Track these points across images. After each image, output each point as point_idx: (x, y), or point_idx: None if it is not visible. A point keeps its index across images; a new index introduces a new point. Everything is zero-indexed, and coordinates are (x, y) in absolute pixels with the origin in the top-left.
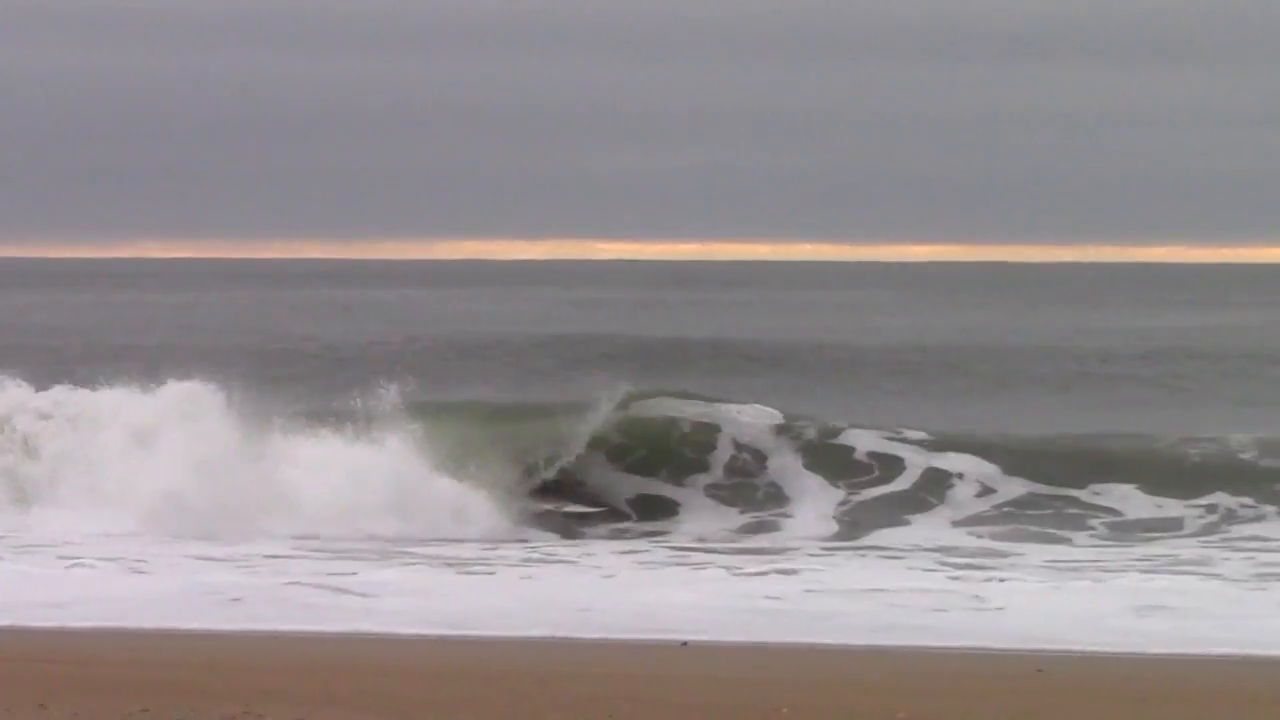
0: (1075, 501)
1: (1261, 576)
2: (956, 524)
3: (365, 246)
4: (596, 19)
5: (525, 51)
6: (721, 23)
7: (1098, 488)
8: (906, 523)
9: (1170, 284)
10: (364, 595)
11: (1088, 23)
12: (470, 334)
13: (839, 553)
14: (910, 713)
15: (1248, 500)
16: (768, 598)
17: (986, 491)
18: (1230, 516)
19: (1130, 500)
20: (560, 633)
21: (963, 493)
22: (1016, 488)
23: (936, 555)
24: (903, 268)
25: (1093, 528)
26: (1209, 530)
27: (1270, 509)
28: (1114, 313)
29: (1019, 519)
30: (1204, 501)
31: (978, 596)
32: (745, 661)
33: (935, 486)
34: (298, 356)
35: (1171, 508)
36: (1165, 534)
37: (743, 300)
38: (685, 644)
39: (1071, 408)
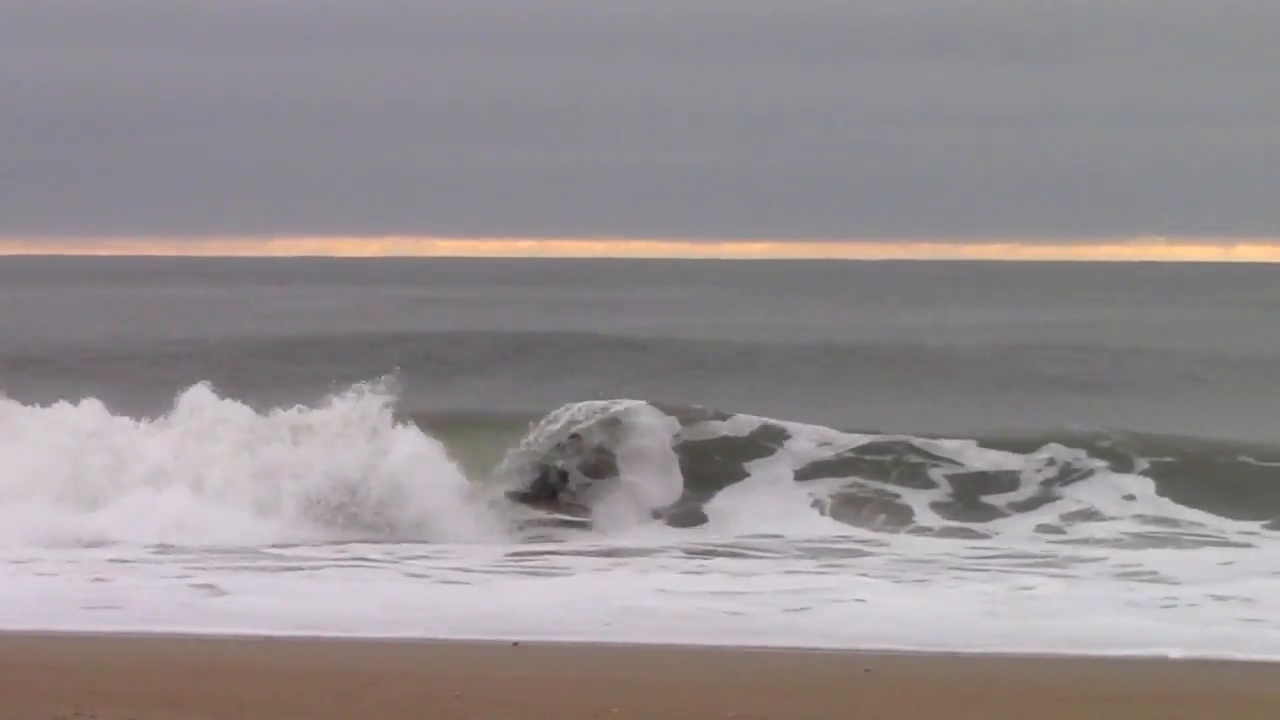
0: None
1: (1099, 576)
2: (807, 523)
3: (199, 244)
4: (437, 15)
5: (361, 49)
6: (567, 18)
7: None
8: (755, 517)
9: (1001, 281)
10: (209, 598)
11: (917, 19)
12: (273, 333)
13: (676, 552)
14: (740, 712)
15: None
16: (601, 599)
17: (829, 486)
18: (1067, 471)
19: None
20: (391, 633)
21: (807, 487)
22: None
23: (780, 555)
24: (742, 265)
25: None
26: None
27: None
28: (941, 308)
29: (856, 515)
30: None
31: (813, 596)
32: (576, 662)
33: (788, 480)
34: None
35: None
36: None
37: (584, 299)
38: (516, 644)
39: (905, 398)
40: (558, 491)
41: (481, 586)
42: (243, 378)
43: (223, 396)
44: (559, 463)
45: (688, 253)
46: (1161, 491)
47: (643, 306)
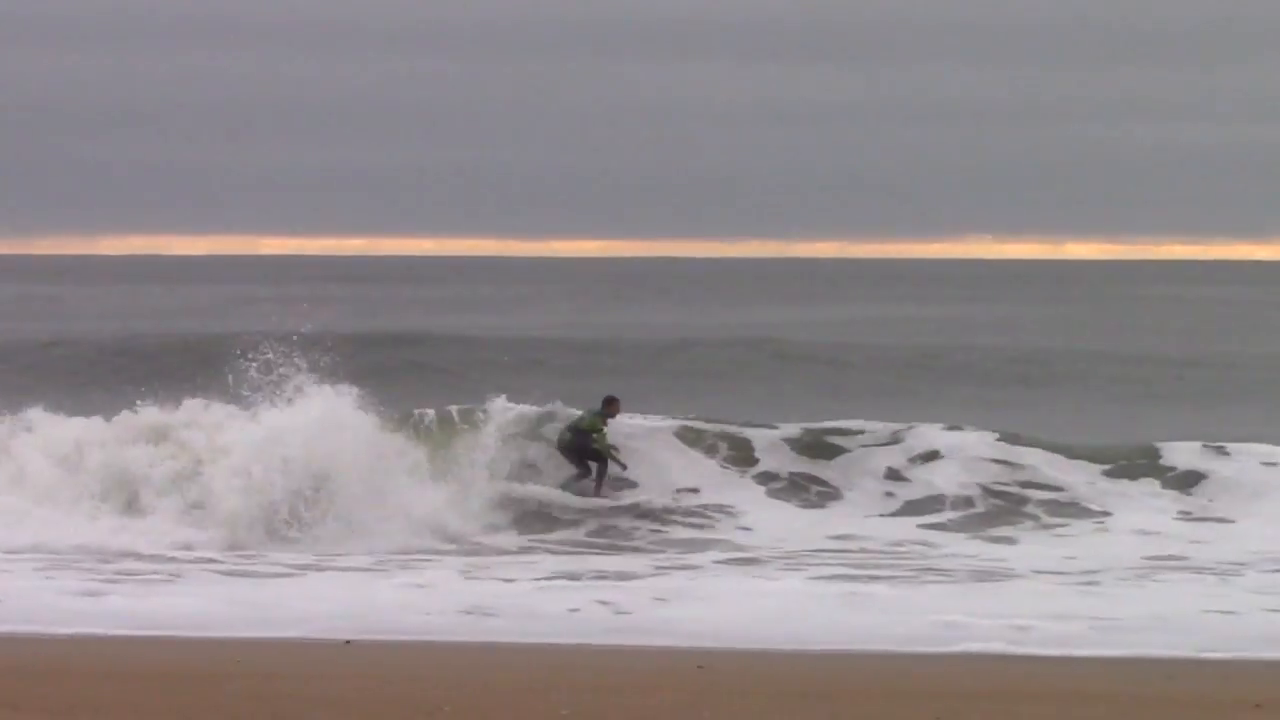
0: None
1: (920, 573)
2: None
3: (24, 243)
4: (259, 15)
5: (190, 49)
6: (390, 18)
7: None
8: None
9: (828, 279)
10: (55, 598)
11: (745, 18)
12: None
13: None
14: (573, 710)
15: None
16: (435, 598)
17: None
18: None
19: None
20: (224, 632)
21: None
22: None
23: (613, 553)
24: (564, 263)
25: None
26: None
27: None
28: (768, 307)
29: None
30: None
31: (652, 595)
32: (409, 660)
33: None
34: None
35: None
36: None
37: (419, 296)
38: (349, 643)
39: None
40: None
41: (315, 586)
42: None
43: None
44: None
45: (519, 250)
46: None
47: (473, 304)
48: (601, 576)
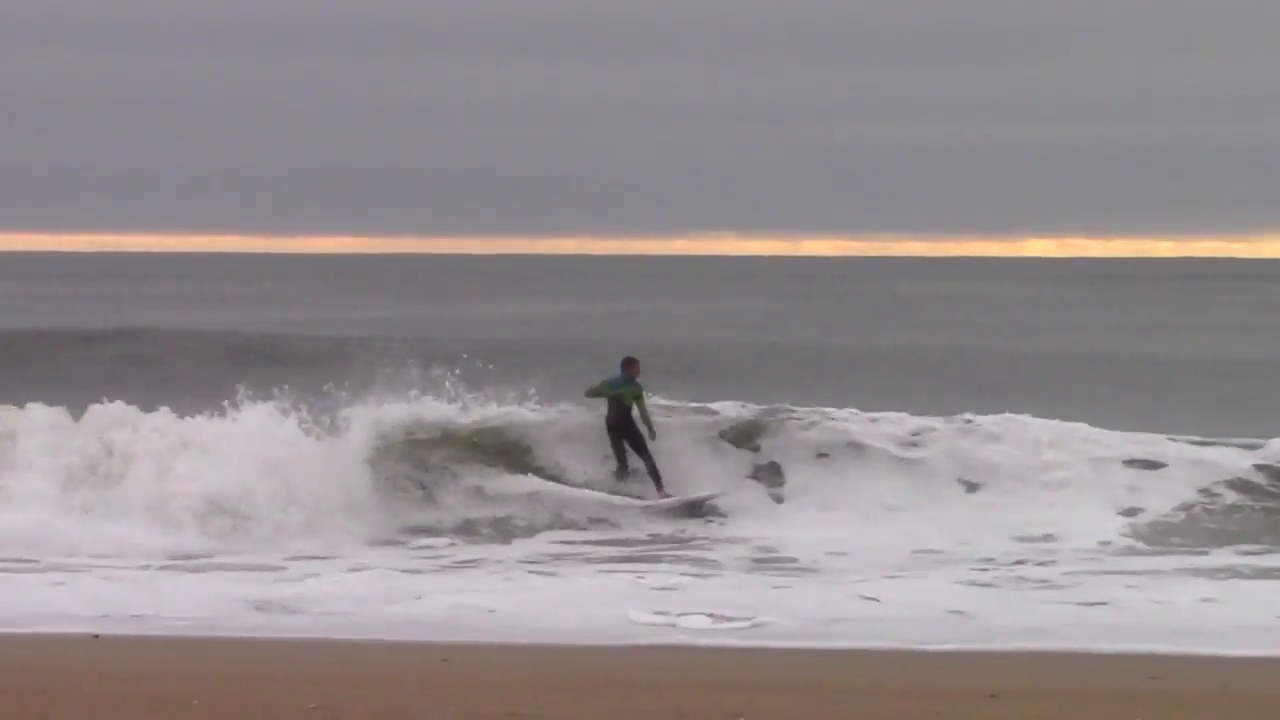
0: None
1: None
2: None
3: None
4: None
5: None
6: (152, 14)
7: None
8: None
9: (569, 275)
10: None
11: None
12: None
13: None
14: (321, 703)
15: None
16: (183, 594)
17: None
18: None
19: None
20: None
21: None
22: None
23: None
24: (316, 259)
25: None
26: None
27: None
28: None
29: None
30: None
31: (400, 590)
32: (158, 654)
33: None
34: None
35: None
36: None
37: (163, 293)
38: (97, 637)
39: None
40: None
41: (70, 582)
42: None
43: None
44: None
45: (271, 247)
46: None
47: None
48: (357, 569)
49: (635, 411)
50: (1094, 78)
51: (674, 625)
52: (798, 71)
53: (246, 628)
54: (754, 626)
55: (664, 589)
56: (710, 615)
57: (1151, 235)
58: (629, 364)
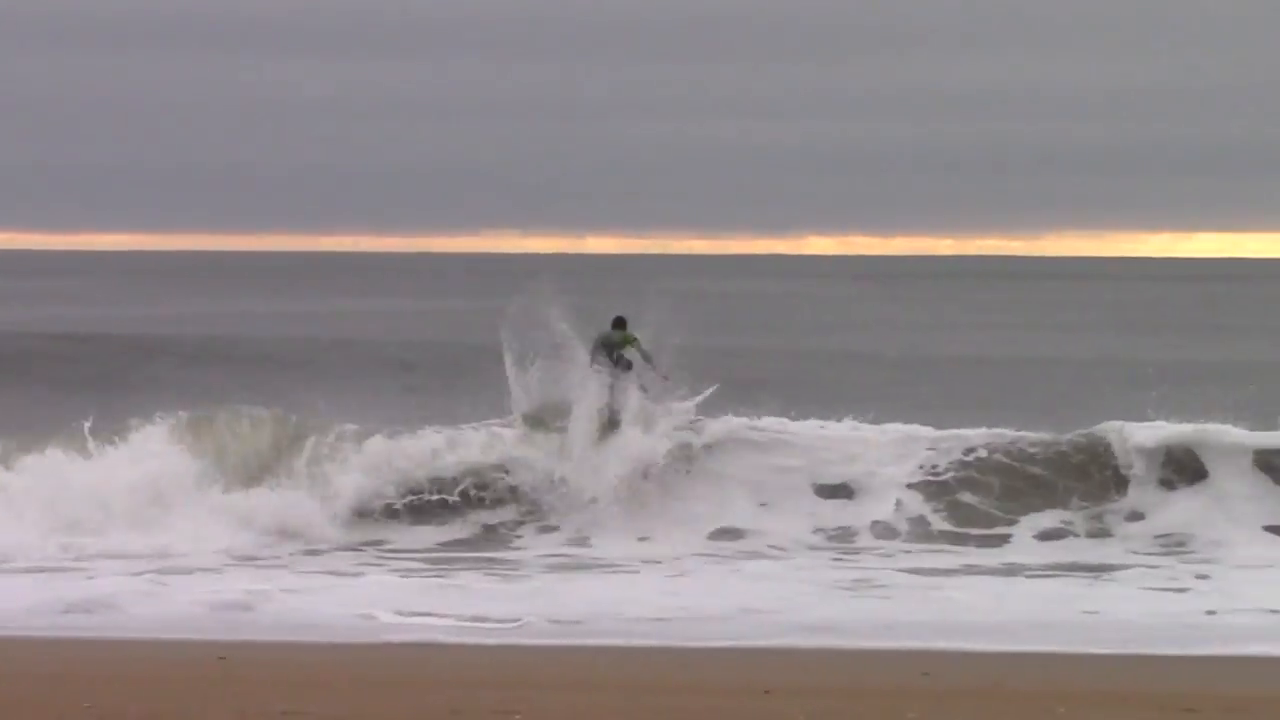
0: None
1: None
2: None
3: None
4: None
5: None
6: None
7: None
8: None
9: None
10: None
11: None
12: None
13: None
14: (95, 702)
15: None
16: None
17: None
18: None
19: None
20: None
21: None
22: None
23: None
24: (97, 257)
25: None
26: None
27: None
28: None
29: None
30: None
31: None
32: (51, 657)
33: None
34: None
35: None
36: None
37: None
38: None
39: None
40: None
41: None
42: None
43: None
44: None
45: (43, 244)
46: None
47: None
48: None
49: (635, 356)
50: (874, 76)
51: (453, 624)
52: (576, 67)
53: (20, 628)
54: (522, 626)
55: (453, 588)
56: (483, 615)
57: (932, 234)
58: (622, 322)
